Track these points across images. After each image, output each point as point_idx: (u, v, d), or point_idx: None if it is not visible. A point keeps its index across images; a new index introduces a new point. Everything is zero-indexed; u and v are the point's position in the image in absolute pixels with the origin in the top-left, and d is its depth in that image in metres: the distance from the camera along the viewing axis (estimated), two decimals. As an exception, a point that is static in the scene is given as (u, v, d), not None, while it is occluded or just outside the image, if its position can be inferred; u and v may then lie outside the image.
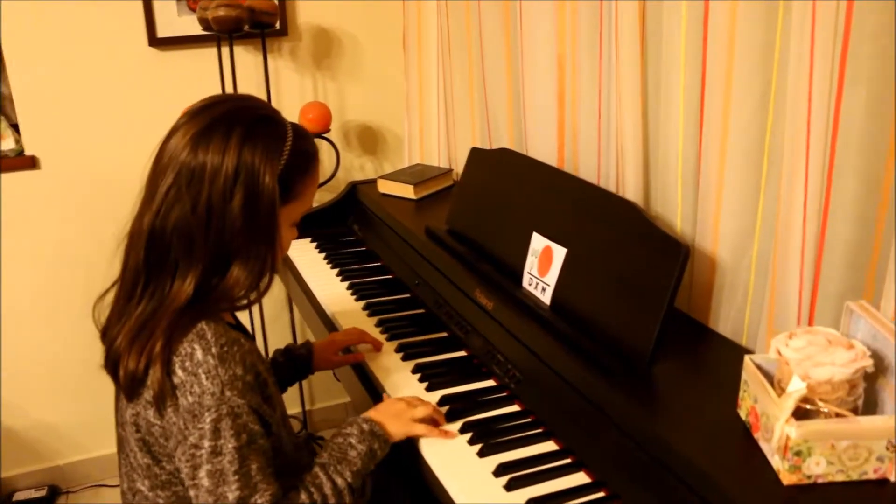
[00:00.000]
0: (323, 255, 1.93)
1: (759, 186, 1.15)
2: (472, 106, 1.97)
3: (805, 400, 0.89)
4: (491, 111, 1.85)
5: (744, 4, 1.08)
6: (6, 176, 2.02)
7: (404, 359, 1.43)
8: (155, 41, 2.06)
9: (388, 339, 1.50)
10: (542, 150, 1.67)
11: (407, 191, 1.96)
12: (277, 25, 2.14)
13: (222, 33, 1.90)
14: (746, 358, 0.99)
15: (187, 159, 1.02)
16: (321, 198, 2.21)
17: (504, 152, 1.61)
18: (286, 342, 1.68)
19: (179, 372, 0.99)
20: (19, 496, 2.25)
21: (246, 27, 1.94)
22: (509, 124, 1.78)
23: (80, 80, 2.05)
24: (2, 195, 2.04)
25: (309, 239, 2.02)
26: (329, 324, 1.63)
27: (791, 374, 0.90)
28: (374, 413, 1.19)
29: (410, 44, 2.13)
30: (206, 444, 0.98)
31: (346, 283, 1.76)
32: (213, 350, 1.00)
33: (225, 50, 2.07)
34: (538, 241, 1.40)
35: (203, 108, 1.06)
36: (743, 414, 1.00)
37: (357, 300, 1.68)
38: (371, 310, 1.63)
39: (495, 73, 1.79)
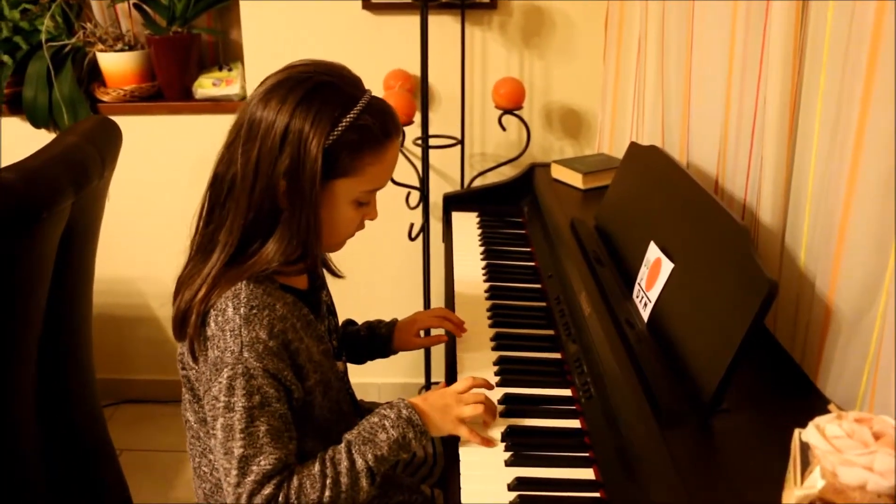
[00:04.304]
0: (480, 230, 1.91)
1: (893, 225, 0.92)
2: (662, 102, 1.81)
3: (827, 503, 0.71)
4: (666, 110, 1.69)
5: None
6: (227, 117, 2.25)
7: (494, 348, 1.38)
8: (368, 5, 2.16)
9: (491, 325, 1.46)
10: (705, 157, 1.49)
11: (576, 179, 1.87)
12: (487, -2, 2.14)
13: (418, 1, 1.94)
14: (796, 432, 0.81)
15: (250, 112, 1.05)
16: (506, 173, 2.19)
17: (652, 150, 1.47)
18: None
19: (212, 324, 1.04)
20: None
21: (445, -3, 1.97)
22: (683, 128, 1.60)
23: (301, 37, 2.22)
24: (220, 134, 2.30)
25: (476, 213, 2.01)
26: (451, 298, 1.62)
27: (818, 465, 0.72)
28: (421, 401, 1.14)
29: (612, 25, 2.00)
30: (222, 398, 1.02)
31: (484, 263, 1.73)
32: (242, 311, 1.02)
33: (430, 18, 2.11)
34: (653, 252, 1.26)
35: (287, 67, 1.08)
36: (784, 499, 0.83)
37: (485, 281, 1.65)
38: (491, 293, 1.59)
39: (675, 71, 1.62)
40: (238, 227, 1.05)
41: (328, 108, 1.03)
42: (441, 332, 1.44)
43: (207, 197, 1.09)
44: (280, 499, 1.00)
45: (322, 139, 1.02)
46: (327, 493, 1.02)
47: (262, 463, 1.00)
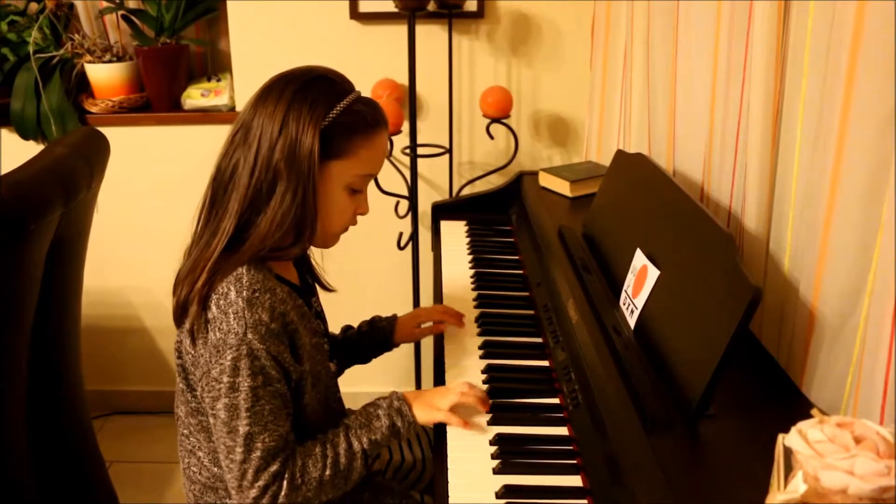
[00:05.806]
0: (468, 239, 1.92)
1: (876, 230, 0.93)
2: (648, 109, 1.82)
3: (810, 506, 0.72)
4: (653, 118, 1.70)
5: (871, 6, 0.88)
6: (215, 127, 2.27)
7: (482, 356, 1.39)
8: (356, 15, 2.17)
9: (479, 334, 1.47)
10: (691, 165, 1.50)
11: (563, 187, 1.88)
12: (474, 7, 2.15)
13: (405, 11, 1.95)
14: (780, 437, 0.82)
15: (250, 110, 1.12)
16: (494, 182, 2.20)
17: (638, 158, 1.48)
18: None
19: (214, 308, 1.07)
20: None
21: (432, 6, 1.98)
22: (669, 135, 1.62)
23: (289, 47, 2.23)
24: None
25: (464, 221, 2.02)
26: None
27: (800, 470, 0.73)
28: (412, 394, 1.21)
29: (598, 33, 2.01)
30: (226, 379, 1.05)
31: (473, 271, 1.74)
32: (245, 294, 1.06)
33: (417, 27, 2.12)
34: (639, 259, 1.27)
35: (284, 71, 1.15)
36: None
37: (473, 289, 1.66)
38: (479, 301, 1.59)
39: (661, 78, 1.63)
40: (236, 212, 1.09)
41: (323, 97, 1.10)
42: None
43: (210, 189, 1.14)
44: (286, 475, 1.06)
45: (318, 121, 1.08)
46: (327, 471, 1.09)
47: (267, 440, 1.06)
